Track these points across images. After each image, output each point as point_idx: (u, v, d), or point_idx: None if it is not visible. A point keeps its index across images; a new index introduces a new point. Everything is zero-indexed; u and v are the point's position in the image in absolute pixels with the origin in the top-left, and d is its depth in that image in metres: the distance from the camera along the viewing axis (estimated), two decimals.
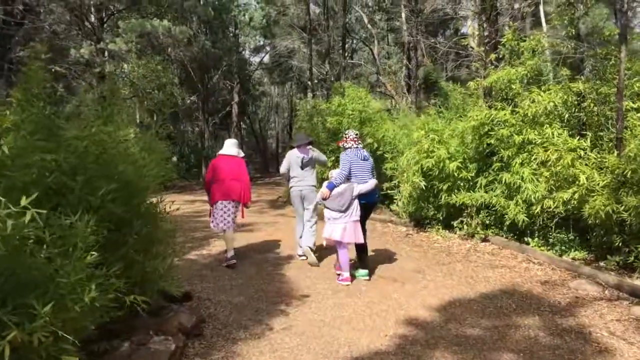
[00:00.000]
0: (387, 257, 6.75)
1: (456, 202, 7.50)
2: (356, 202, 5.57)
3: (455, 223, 7.89)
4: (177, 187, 18.15)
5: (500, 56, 8.07)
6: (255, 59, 29.07)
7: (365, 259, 5.81)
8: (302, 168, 6.52)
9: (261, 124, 36.18)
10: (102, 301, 2.85)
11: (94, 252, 2.85)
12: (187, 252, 6.81)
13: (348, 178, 5.65)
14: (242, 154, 6.65)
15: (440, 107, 9.64)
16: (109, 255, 3.36)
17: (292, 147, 6.85)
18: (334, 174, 5.74)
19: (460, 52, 12.33)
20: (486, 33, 8.81)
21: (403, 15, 15.44)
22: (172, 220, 4.19)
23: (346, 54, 22.49)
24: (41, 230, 2.68)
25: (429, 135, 7.87)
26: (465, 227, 7.68)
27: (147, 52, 15.80)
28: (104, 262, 3.15)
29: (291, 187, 6.59)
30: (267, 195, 15.63)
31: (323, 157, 6.96)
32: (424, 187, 7.90)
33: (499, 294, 5.06)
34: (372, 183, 5.73)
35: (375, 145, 10.14)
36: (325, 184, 5.67)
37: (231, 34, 23.85)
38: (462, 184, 7.72)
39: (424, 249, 7.26)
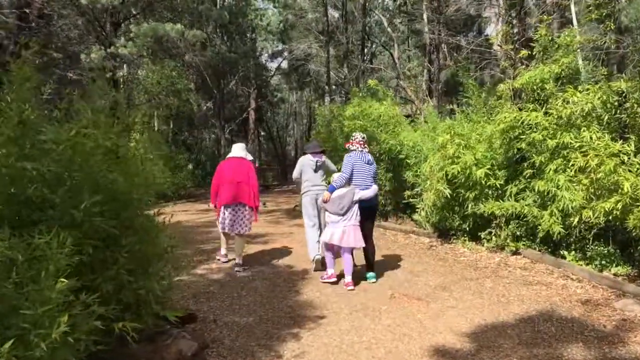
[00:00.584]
0: (409, 271, 6.27)
1: (484, 211, 6.96)
2: (356, 206, 5.55)
3: (482, 234, 7.34)
4: (193, 195, 17.81)
5: (533, 53, 7.51)
6: (273, 65, 28.86)
7: (372, 262, 5.88)
8: (315, 171, 6.45)
9: (279, 131, 35.93)
10: (79, 334, 2.45)
11: (71, 277, 2.46)
12: (196, 267, 6.41)
13: (350, 181, 5.64)
14: (250, 157, 6.65)
15: (466, 109, 9.08)
16: (97, 277, 2.98)
17: (304, 153, 6.78)
18: (335, 177, 5.76)
19: (488, 50, 11.76)
20: (515, 30, 8.27)
21: (425, 16, 14.94)
22: (173, 234, 3.80)
23: (365, 58, 22.11)
24: (9, 251, 2.32)
25: (454, 140, 7.35)
26: (493, 238, 7.14)
27: (162, 57, 15.59)
28: (89, 285, 2.79)
29: (304, 192, 6.47)
30: (285, 203, 15.24)
31: (333, 166, 6.79)
32: (448, 196, 7.36)
33: (535, 316, 4.54)
34: (373, 189, 5.77)
35: (398, 147, 9.64)
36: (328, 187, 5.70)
37: (248, 39, 23.61)
38: (490, 192, 7.18)
39: (450, 262, 6.74)
